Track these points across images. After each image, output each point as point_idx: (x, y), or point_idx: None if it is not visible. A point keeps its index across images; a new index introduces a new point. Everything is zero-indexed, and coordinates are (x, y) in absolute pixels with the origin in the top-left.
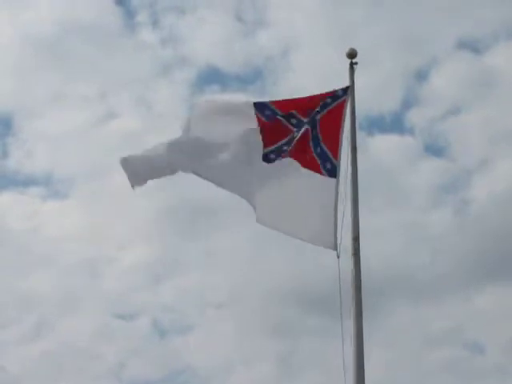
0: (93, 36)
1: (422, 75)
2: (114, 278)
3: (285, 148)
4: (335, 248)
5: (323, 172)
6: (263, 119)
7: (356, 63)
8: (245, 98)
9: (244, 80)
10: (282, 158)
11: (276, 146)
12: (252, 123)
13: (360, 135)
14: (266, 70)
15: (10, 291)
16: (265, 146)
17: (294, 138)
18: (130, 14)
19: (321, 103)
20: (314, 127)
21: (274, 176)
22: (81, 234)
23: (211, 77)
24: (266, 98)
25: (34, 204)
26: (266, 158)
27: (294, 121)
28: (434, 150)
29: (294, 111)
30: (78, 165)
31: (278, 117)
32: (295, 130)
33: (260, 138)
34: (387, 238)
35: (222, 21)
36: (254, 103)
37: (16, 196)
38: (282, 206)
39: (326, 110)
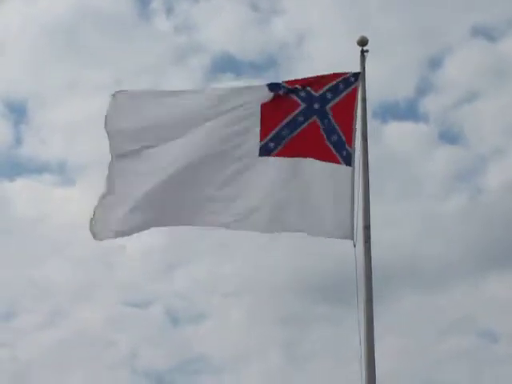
0: (107, 24)
1: (436, 63)
2: (127, 266)
3: (284, 133)
4: (352, 237)
5: (340, 160)
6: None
7: (367, 51)
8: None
9: (258, 67)
10: (284, 153)
11: (275, 131)
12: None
13: (374, 123)
14: (281, 58)
15: (23, 280)
16: (262, 136)
17: (297, 121)
18: (144, 2)
19: (332, 85)
20: (324, 117)
21: (275, 175)
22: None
23: (225, 64)
24: None
25: (47, 192)
26: (265, 149)
27: (302, 93)
28: (449, 137)
29: (304, 87)
30: (91, 153)
31: (282, 92)
32: (302, 104)
33: (258, 128)
34: (400, 226)
35: (236, 8)
36: (268, 84)
37: (29, 183)
38: (291, 205)
39: (337, 98)
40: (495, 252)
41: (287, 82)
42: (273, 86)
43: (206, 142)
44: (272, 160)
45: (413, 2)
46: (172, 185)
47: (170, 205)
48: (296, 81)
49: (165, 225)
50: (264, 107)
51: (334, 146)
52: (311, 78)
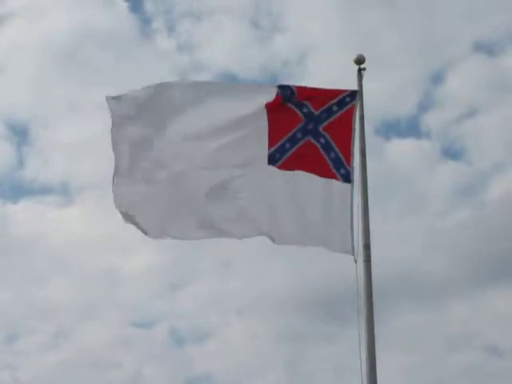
0: (109, 43)
1: (438, 78)
2: (128, 286)
3: (287, 146)
4: (352, 253)
5: (338, 177)
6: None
7: (364, 69)
8: None
9: None
10: (288, 165)
11: (280, 142)
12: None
13: (377, 139)
14: (282, 76)
15: (27, 300)
16: (270, 144)
17: (296, 136)
18: (145, 21)
19: (328, 106)
20: (319, 136)
21: (281, 188)
22: (96, 242)
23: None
24: None
25: (48, 212)
26: (271, 159)
27: (305, 109)
28: (451, 153)
29: (307, 102)
30: (93, 173)
31: (289, 104)
32: (303, 120)
33: (266, 135)
34: (402, 242)
35: (237, 26)
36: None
37: (32, 205)
38: (294, 218)
39: (332, 118)
40: (498, 266)
41: (297, 88)
42: (282, 88)
43: (215, 143)
44: (277, 171)
45: (414, 18)
46: (180, 196)
47: (180, 218)
48: (305, 89)
49: (176, 238)
50: (271, 113)
51: (333, 163)
52: (317, 90)
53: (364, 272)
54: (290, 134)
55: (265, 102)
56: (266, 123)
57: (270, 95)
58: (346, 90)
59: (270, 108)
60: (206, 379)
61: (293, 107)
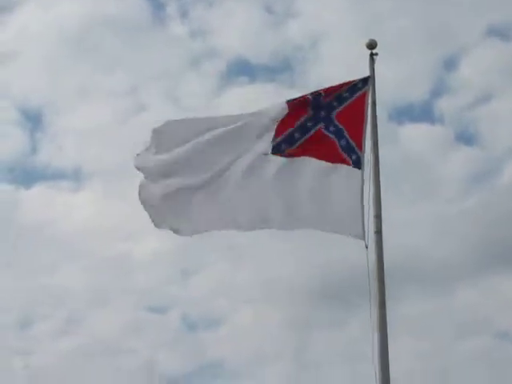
0: (121, 29)
1: (451, 64)
2: (141, 272)
3: (296, 135)
4: (363, 238)
5: (350, 163)
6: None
7: (376, 54)
8: (273, 88)
9: (273, 71)
10: (295, 152)
11: (288, 132)
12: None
13: (390, 125)
14: (295, 61)
15: (38, 287)
16: (276, 135)
17: (306, 124)
18: (158, 7)
19: (339, 94)
20: (330, 123)
21: (289, 173)
22: (107, 228)
23: (240, 68)
24: (294, 90)
25: (61, 198)
26: (276, 149)
27: (315, 103)
28: (465, 138)
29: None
30: (106, 159)
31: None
32: (310, 111)
33: (274, 128)
34: (414, 227)
35: (251, 11)
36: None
37: (44, 190)
38: (304, 203)
39: (344, 105)
40: (507, 252)
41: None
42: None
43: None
44: (284, 159)
45: (428, 2)
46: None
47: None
48: (328, 89)
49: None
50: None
51: (344, 150)
52: (335, 86)
53: (376, 257)
54: (297, 124)
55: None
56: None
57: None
58: (354, 80)
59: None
60: (218, 365)
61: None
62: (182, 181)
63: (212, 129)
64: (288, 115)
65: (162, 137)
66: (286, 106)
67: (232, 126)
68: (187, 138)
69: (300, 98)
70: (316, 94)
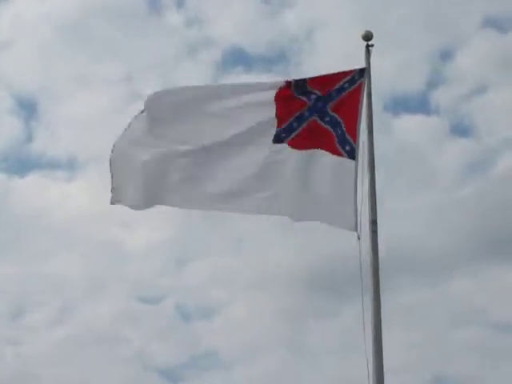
0: (117, 18)
1: (447, 55)
2: (135, 261)
3: (295, 125)
4: (356, 229)
5: (343, 154)
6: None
7: (372, 45)
8: (269, 79)
9: (269, 61)
10: (293, 144)
11: (288, 122)
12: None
13: (386, 116)
14: (291, 51)
15: (32, 275)
16: (278, 124)
17: (304, 115)
18: None
19: (337, 86)
20: (325, 114)
21: (286, 164)
22: (101, 216)
23: (236, 58)
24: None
25: (56, 186)
26: (277, 138)
27: (313, 96)
28: (460, 129)
29: (317, 90)
30: (101, 147)
31: (299, 95)
32: (308, 102)
33: (274, 115)
34: (409, 218)
35: (246, 1)
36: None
37: (39, 179)
38: (300, 192)
39: (340, 96)
40: (503, 242)
41: (310, 78)
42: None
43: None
44: (283, 148)
45: None
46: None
47: (193, 188)
48: (317, 78)
49: (188, 207)
50: (278, 99)
51: (338, 140)
52: (327, 76)
53: (370, 248)
54: (296, 115)
55: (274, 92)
56: (274, 106)
57: (278, 86)
58: (355, 70)
59: (279, 97)
60: (212, 355)
61: (303, 97)
62: (170, 147)
63: (212, 98)
64: (286, 106)
65: (157, 103)
66: (284, 83)
67: (234, 102)
68: (184, 106)
69: (300, 80)
70: (317, 87)
